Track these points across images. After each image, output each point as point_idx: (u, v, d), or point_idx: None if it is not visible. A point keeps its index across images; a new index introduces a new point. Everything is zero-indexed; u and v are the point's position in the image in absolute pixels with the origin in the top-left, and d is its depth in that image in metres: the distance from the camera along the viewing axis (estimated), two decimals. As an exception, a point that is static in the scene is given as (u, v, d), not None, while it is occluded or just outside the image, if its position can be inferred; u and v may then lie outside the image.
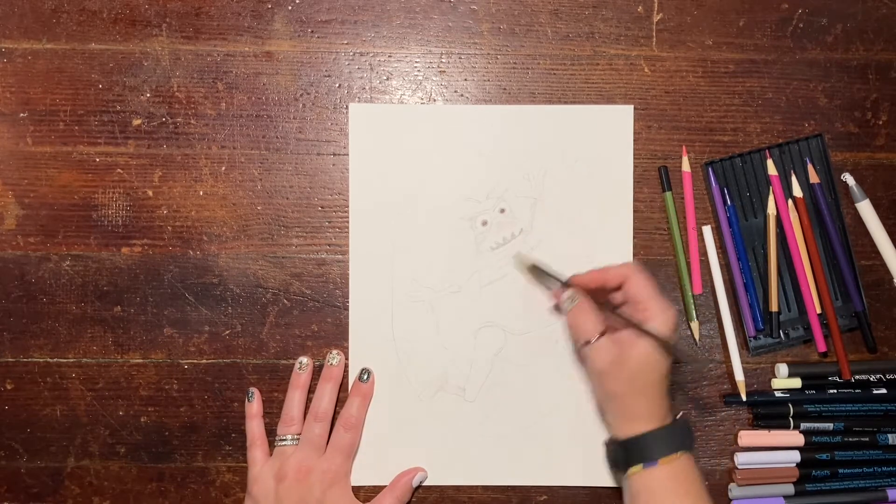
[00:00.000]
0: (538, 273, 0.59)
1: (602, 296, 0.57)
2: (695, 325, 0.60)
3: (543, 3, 0.61)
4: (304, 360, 0.59)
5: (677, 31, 0.61)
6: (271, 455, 0.58)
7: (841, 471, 0.60)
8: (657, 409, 0.52)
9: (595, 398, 0.58)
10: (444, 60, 0.61)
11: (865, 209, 0.61)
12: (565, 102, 0.61)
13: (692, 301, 0.60)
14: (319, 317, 0.60)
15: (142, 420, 0.60)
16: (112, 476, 0.60)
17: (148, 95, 0.60)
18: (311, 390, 0.60)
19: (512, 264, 0.60)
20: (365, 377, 0.59)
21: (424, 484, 0.60)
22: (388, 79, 0.61)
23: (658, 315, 0.53)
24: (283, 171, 0.60)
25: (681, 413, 0.54)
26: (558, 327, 0.60)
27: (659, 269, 0.61)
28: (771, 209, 0.60)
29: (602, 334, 0.54)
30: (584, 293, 0.55)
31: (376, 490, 0.60)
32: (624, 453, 0.53)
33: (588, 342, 0.54)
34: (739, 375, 0.60)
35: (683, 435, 0.53)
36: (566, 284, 0.56)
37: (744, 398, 0.60)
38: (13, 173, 0.60)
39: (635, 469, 0.52)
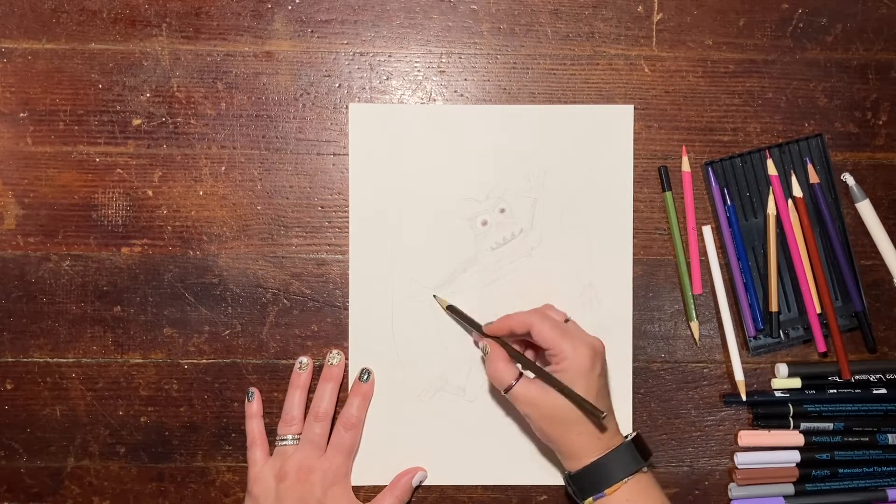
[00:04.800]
0: (455, 314, 0.59)
1: (519, 341, 0.58)
2: (695, 325, 0.60)
3: (543, 3, 0.61)
4: (304, 359, 0.59)
5: (677, 31, 0.61)
6: (271, 455, 0.58)
7: (841, 471, 0.60)
8: (593, 440, 0.52)
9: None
10: (444, 60, 0.61)
11: (865, 209, 0.61)
12: (565, 102, 0.61)
13: (692, 301, 0.60)
14: (319, 317, 0.60)
15: (142, 420, 0.60)
16: (112, 476, 0.60)
17: (148, 95, 0.60)
18: (311, 390, 0.60)
19: (519, 263, 0.60)
20: (365, 377, 0.59)
21: (424, 484, 0.60)
22: (388, 79, 0.61)
23: (569, 355, 0.52)
24: (283, 171, 0.60)
25: (634, 433, 0.54)
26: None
27: (659, 269, 0.61)
28: (771, 209, 0.60)
29: (519, 377, 0.53)
30: (496, 341, 0.56)
31: (376, 490, 0.60)
32: (574, 487, 0.53)
33: (508, 389, 0.54)
34: (739, 375, 0.60)
35: (630, 457, 0.52)
36: (480, 331, 0.57)
37: (744, 398, 0.60)
38: (13, 173, 0.60)
39: (588, 502, 0.52)
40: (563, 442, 0.53)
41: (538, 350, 0.58)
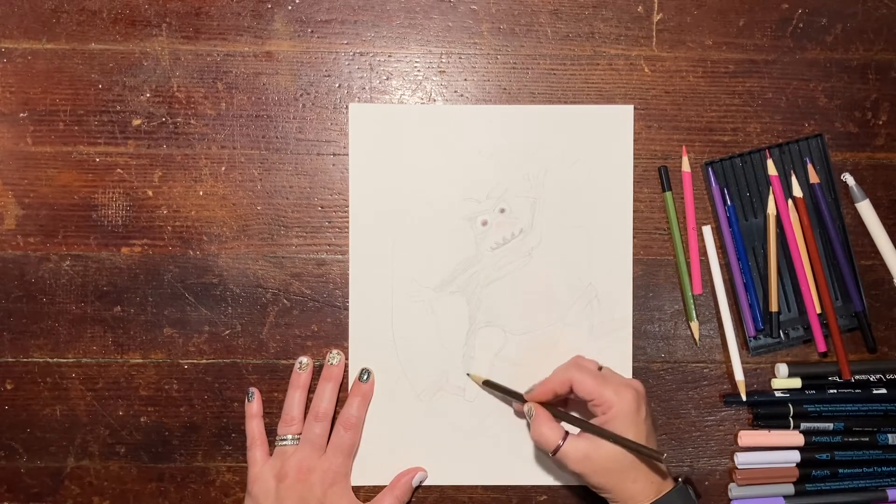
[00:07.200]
0: (493, 388, 0.59)
1: (561, 401, 0.58)
2: (695, 325, 0.60)
3: (543, 3, 0.61)
4: (304, 359, 0.59)
5: (677, 31, 0.61)
6: (271, 455, 0.58)
7: (841, 471, 0.60)
8: (647, 484, 0.52)
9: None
10: (444, 60, 0.61)
11: (865, 209, 0.61)
12: (565, 102, 0.61)
13: (692, 301, 0.60)
14: (319, 317, 0.60)
15: (142, 420, 0.60)
16: (112, 476, 0.60)
17: (148, 95, 0.60)
18: (311, 390, 0.60)
19: (519, 263, 0.60)
20: (365, 377, 0.59)
21: (424, 484, 0.60)
22: (388, 79, 0.61)
23: (614, 402, 0.52)
24: (283, 171, 0.60)
25: (683, 477, 0.54)
26: (558, 327, 0.60)
27: (659, 269, 0.61)
28: (771, 209, 0.60)
29: (566, 437, 0.53)
30: (539, 405, 0.55)
31: (376, 490, 0.60)
32: None
33: (555, 450, 0.53)
34: (739, 375, 0.60)
35: (683, 501, 0.52)
36: (521, 399, 0.57)
37: (744, 398, 0.60)
38: (13, 173, 0.60)
39: None
40: (618, 491, 0.52)
41: (576, 405, 0.58)
